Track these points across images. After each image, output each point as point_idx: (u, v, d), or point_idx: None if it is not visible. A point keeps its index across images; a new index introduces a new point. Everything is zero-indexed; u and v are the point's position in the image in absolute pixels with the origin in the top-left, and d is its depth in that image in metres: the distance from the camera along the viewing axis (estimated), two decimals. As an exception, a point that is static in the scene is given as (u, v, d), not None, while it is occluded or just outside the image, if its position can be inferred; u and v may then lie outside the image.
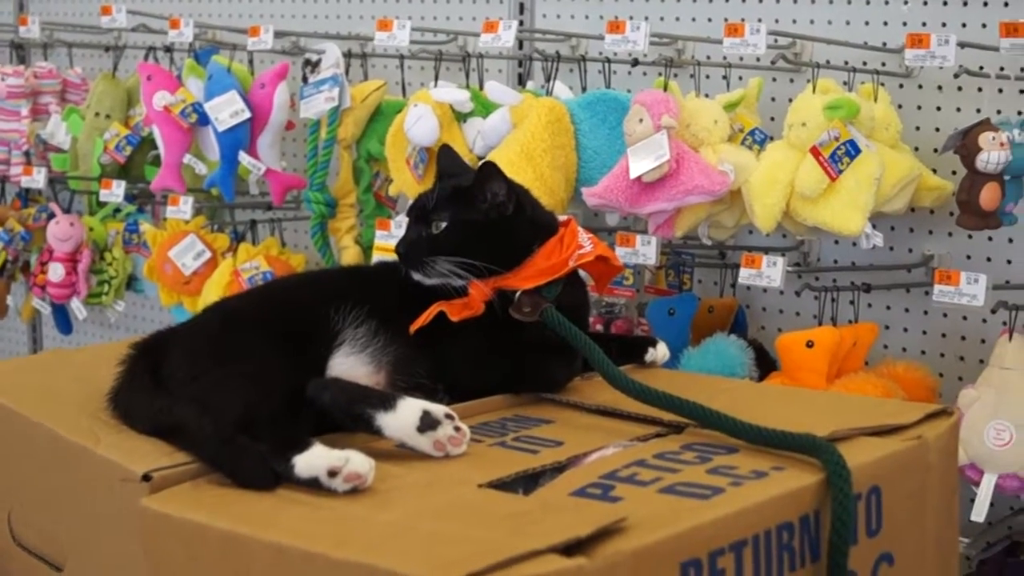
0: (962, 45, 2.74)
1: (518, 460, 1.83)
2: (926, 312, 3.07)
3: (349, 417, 1.87)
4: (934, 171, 2.94)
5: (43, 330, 5.07)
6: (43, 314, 4.50)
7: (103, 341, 4.79)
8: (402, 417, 1.83)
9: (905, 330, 3.13)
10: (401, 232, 3.19)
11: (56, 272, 4.18)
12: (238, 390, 1.89)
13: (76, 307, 4.24)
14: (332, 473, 1.70)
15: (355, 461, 1.71)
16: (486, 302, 2.11)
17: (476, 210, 2.15)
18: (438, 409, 1.84)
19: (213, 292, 3.77)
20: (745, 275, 2.90)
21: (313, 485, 1.72)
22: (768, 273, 2.86)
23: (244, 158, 3.69)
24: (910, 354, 3.10)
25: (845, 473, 1.71)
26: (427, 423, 1.83)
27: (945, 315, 3.03)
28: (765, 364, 3.00)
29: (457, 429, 1.84)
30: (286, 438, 1.76)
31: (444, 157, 2.33)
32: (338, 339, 2.03)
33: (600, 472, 1.75)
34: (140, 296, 4.43)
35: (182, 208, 3.82)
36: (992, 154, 2.65)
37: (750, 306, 3.32)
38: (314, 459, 1.72)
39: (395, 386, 2.02)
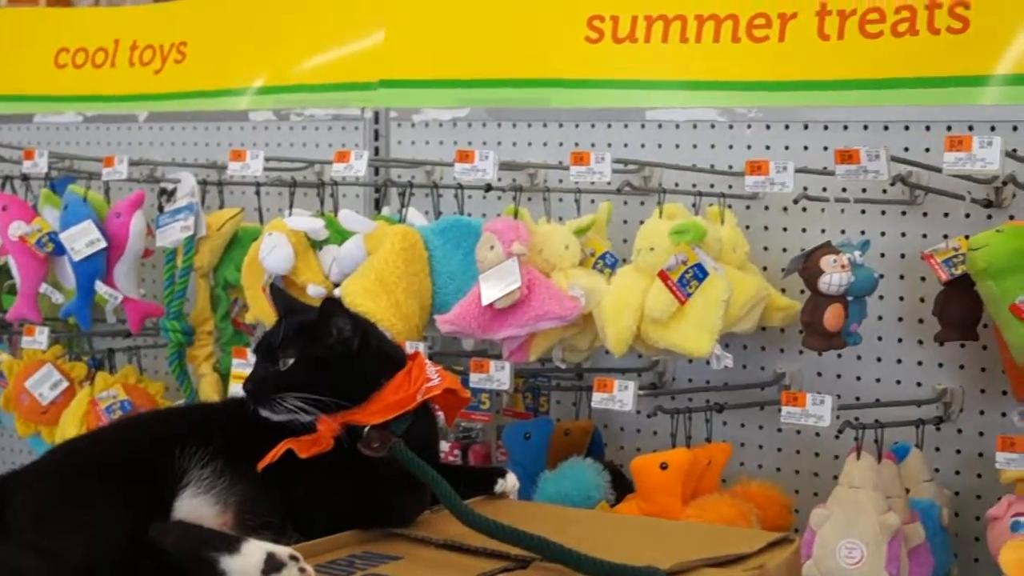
0: (800, 171, 2.81)
1: (364, 600, 1.83)
2: (779, 429, 3.12)
3: (193, 561, 1.85)
4: (783, 291, 3.01)
5: (-100, 461, 4.96)
6: (-101, 445, 4.43)
7: (-40, 472, 4.70)
8: (247, 560, 1.82)
9: (760, 447, 3.18)
10: (259, 360, 3.23)
11: (-90, 404, 4.11)
12: (80, 536, 1.87)
13: (-68, 439, 4.18)
14: (175, 621, 1.69)
15: (198, 608, 1.70)
16: (335, 437, 2.11)
17: (322, 346, 2.15)
18: (282, 551, 1.83)
19: (70, 422, 3.74)
20: (598, 399, 2.93)
21: (155, 634, 1.70)
22: (620, 397, 2.90)
23: (101, 287, 3.68)
24: (765, 471, 3.14)
25: (684, 607, 1.73)
26: (272, 566, 1.82)
27: (798, 432, 3.08)
28: (622, 486, 3.03)
29: (302, 571, 1.83)
30: (128, 586, 1.75)
31: (277, 296, 2.35)
32: (183, 480, 2.01)
33: (446, 610, 1.76)
34: (-3, 427, 4.37)
35: (38, 338, 3.79)
36: (834, 276, 2.71)
37: (608, 426, 3.36)
38: (156, 608, 1.71)
39: (243, 526, 2.01)
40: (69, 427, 3.71)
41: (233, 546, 1.83)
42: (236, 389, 3.36)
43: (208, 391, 3.60)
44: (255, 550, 1.83)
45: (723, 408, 3.06)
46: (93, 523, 1.90)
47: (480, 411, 3.29)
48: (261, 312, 3.36)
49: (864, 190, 2.95)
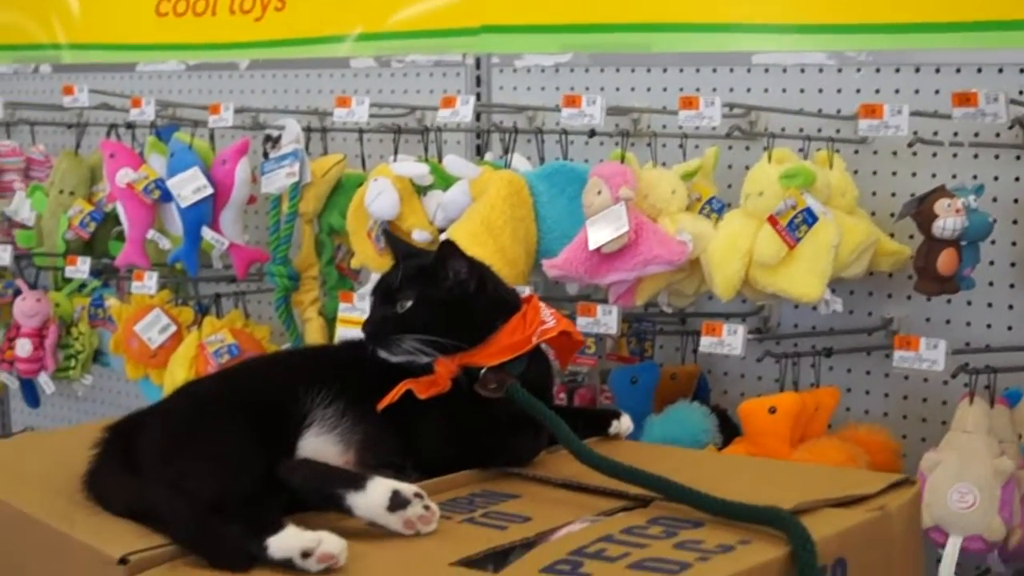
0: (915, 114, 2.79)
1: (487, 537, 1.84)
2: (887, 375, 3.11)
3: (320, 498, 1.87)
4: (891, 236, 2.99)
5: (11, 403, 5.06)
6: (11, 388, 4.51)
7: (71, 414, 4.80)
8: (372, 497, 1.84)
9: (867, 393, 3.16)
10: (365, 304, 3.26)
11: (24, 348, 4.20)
12: (211, 472, 1.90)
13: (44, 381, 4.26)
14: (305, 554, 1.71)
15: (328, 542, 1.72)
16: (452, 379, 2.13)
17: (439, 288, 2.17)
18: (408, 488, 1.85)
19: (179, 365, 3.79)
20: (706, 343, 2.93)
21: (287, 566, 1.72)
22: (729, 341, 2.90)
23: (207, 233, 3.72)
24: (872, 417, 3.13)
25: (810, 546, 1.73)
26: (397, 502, 1.84)
27: (906, 377, 3.07)
28: (728, 430, 3.03)
29: (427, 508, 1.85)
30: (259, 520, 1.77)
31: (393, 240, 2.36)
32: (307, 420, 2.04)
33: (569, 548, 1.77)
34: (107, 369, 4.45)
35: (147, 283, 3.84)
36: (948, 220, 2.70)
37: (712, 371, 3.36)
38: (287, 540, 1.73)
39: (364, 465, 2.03)
40: (178, 370, 3.77)
41: (359, 483, 1.85)
42: (342, 333, 3.39)
43: (314, 335, 3.64)
44: (380, 487, 1.85)
45: (831, 353, 3.05)
46: (222, 460, 1.93)
47: (585, 355, 3.30)
48: (366, 257, 3.38)
49: (977, 134, 2.91)
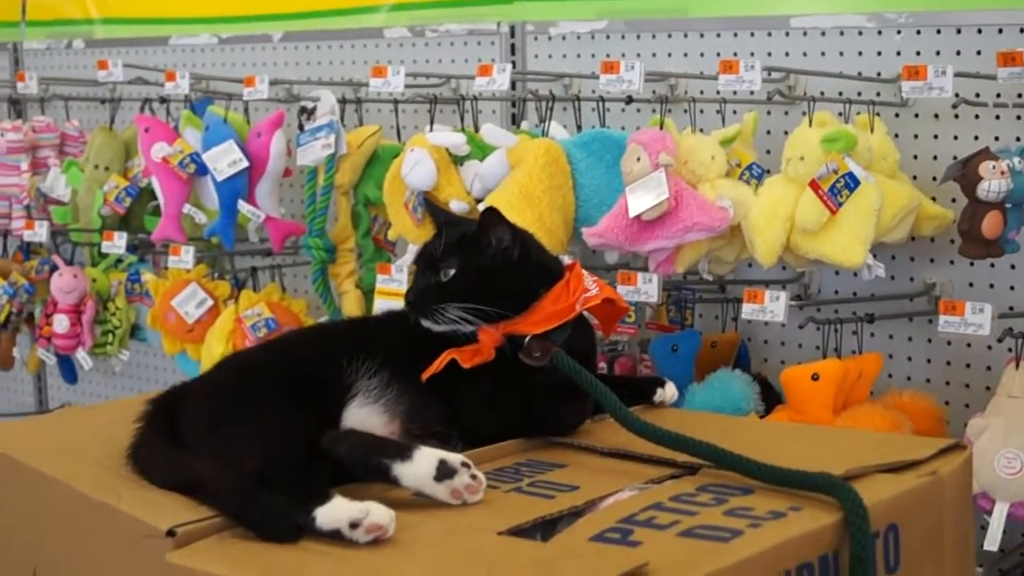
0: (960, 75, 2.76)
1: (535, 506, 1.83)
2: (930, 340, 3.09)
3: (366, 468, 1.87)
4: (933, 199, 2.96)
5: (48, 380, 5.09)
6: (48, 365, 4.53)
7: (108, 390, 4.82)
8: (419, 467, 1.84)
9: (909, 359, 3.14)
10: (402, 276, 3.25)
11: (61, 324, 4.21)
12: (256, 444, 1.90)
13: (82, 357, 4.27)
14: (353, 525, 1.71)
15: (376, 512, 1.71)
16: (496, 347, 2.12)
17: (482, 256, 2.16)
18: (454, 458, 1.85)
19: (216, 339, 3.79)
20: (748, 310, 2.91)
21: (335, 537, 1.72)
22: (771, 308, 2.88)
23: (243, 206, 3.71)
24: (915, 383, 3.11)
25: (863, 512, 1.72)
26: (444, 472, 1.83)
27: (949, 343, 3.05)
28: (770, 398, 3.02)
29: (474, 477, 1.85)
30: (306, 491, 1.77)
31: (434, 209, 2.36)
32: (351, 391, 2.04)
33: (617, 516, 1.76)
34: (144, 345, 4.46)
35: (184, 258, 3.84)
36: (993, 183, 2.67)
37: (752, 339, 3.34)
38: (335, 511, 1.73)
39: (409, 435, 2.03)
40: (215, 344, 3.77)
41: (405, 453, 1.85)
42: (380, 305, 3.38)
43: (351, 307, 3.63)
44: (427, 456, 1.84)
45: (874, 319, 3.03)
46: (268, 432, 1.92)
47: (626, 324, 3.28)
48: (403, 229, 3.37)
49: (1020, 95, 2.88)
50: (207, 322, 3.89)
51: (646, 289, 3.00)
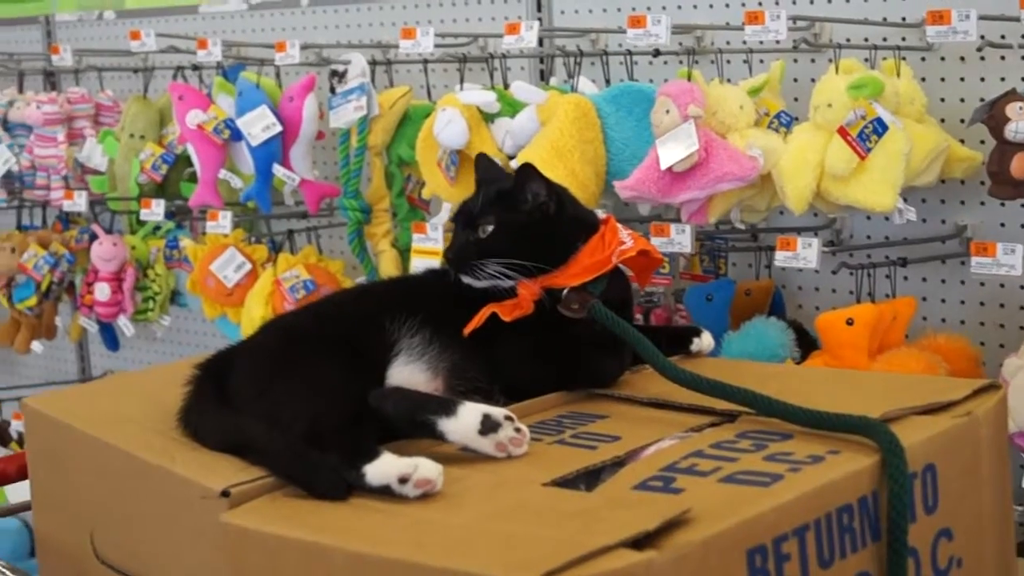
0: (984, 18, 2.77)
1: (578, 457, 1.87)
2: (963, 282, 3.11)
3: (412, 424, 1.91)
4: (962, 142, 2.97)
5: (90, 347, 5.14)
6: (90, 333, 4.58)
7: (150, 356, 4.87)
8: (464, 421, 1.88)
9: (943, 301, 3.16)
10: (438, 234, 3.29)
11: (103, 292, 4.27)
12: (304, 403, 1.94)
13: (123, 324, 4.33)
14: (403, 480, 1.75)
15: (424, 467, 1.75)
16: (535, 301, 2.16)
17: (520, 212, 2.19)
18: (498, 412, 1.88)
19: (255, 302, 3.84)
20: (781, 258, 2.94)
21: (384, 492, 1.76)
22: (804, 254, 2.90)
23: (278, 170, 3.75)
24: (949, 325, 3.13)
25: (901, 453, 1.75)
26: (488, 426, 1.87)
27: (982, 284, 3.06)
28: (806, 344, 3.05)
29: (518, 430, 1.88)
30: (355, 448, 1.81)
31: (482, 164, 2.38)
32: (395, 349, 2.08)
33: (659, 465, 1.80)
34: (184, 310, 4.51)
35: (221, 223, 3.88)
36: (1021, 124, 2.69)
37: (785, 286, 3.36)
38: (384, 467, 1.76)
39: (453, 391, 2.07)
40: (255, 307, 3.82)
41: (450, 408, 1.89)
42: (417, 264, 3.42)
43: (387, 267, 3.67)
44: (471, 411, 1.88)
45: (906, 262, 3.05)
46: (316, 392, 1.96)
47: (660, 275, 3.31)
48: (437, 187, 3.41)
49: (1046, 36, 2.90)
50: (246, 285, 3.94)
51: (679, 240, 3.03)
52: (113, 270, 4.28)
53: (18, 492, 3.89)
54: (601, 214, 2.37)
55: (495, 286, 2.16)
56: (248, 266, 3.95)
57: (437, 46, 3.55)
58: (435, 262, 3.28)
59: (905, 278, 3.14)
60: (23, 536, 5.33)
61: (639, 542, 1.53)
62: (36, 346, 4.75)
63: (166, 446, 2.02)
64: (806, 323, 3.11)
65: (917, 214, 2.90)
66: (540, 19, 3.69)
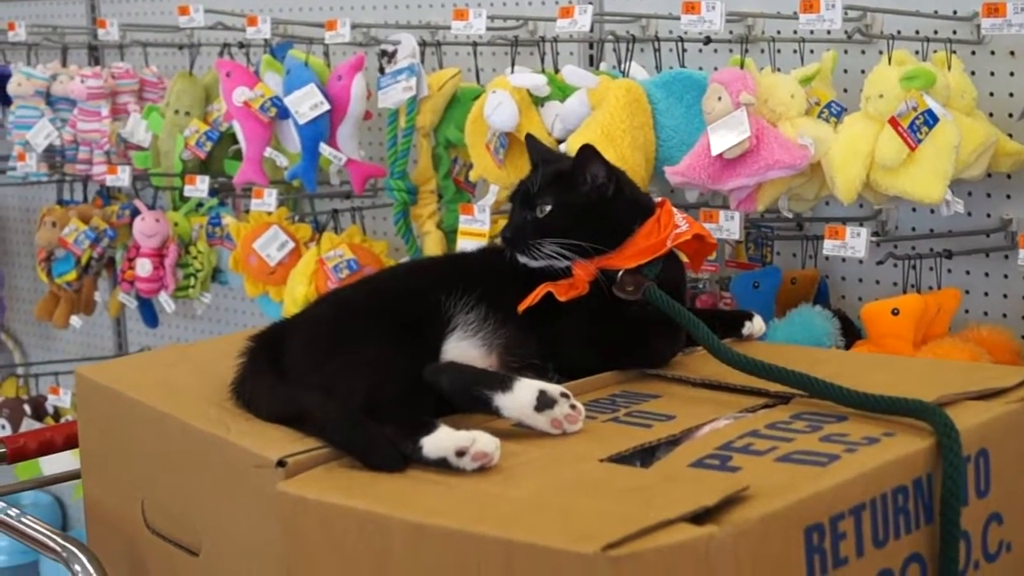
0: (1036, 12, 2.77)
1: (633, 435, 1.89)
2: (1006, 276, 3.10)
3: (467, 399, 1.92)
4: (1010, 136, 2.98)
5: (128, 324, 5.16)
6: (128, 309, 4.60)
7: (188, 333, 4.89)
8: (520, 397, 1.89)
9: (986, 294, 3.16)
10: (484, 216, 3.30)
11: (144, 267, 4.28)
12: (361, 376, 1.96)
13: (164, 301, 4.34)
14: (460, 453, 1.76)
15: (482, 441, 1.77)
16: (591, 281, 2.17)
17: (578, 193, 2.21)
18: (554, 389, 1.90)
19: (299, 281, 3.84)
20: (829, 247, 2.94)
21: (441, 465, 1.78)
22: (852, 244, 2.91)
23: (325, 149, 3.76)
24: (992, 318, 3.13)
25: (955, 436, 1.76)
26: (544, 402, 1.88)
27: (1025, 277, 3.07)
28: (850, 333, 3.05)
29: (573, 407, 1.90)
30: (412, 421, 1.83)
31: (533, 146, 2.40)
32: (450, 324, 2.09)
33: (715, 444, 1.81)
34: (225, 288, 4.53)
35: (266, 201, 3.89)
36: (1070, 119, 2.69)
37: (829, 276, 3.37)
38: (442, 440, 1.78)
39: (507, 367, 2.08)
40: (297, 286, 3.82)
41: (506, 384, 1.90)
42: (463, 245, 3.43)
43: (432, 248, 3.68)
44: (527, 387, 1.90)
45: (952, 255, 3.05)
46: (372, 364, 1.98)
47: (707, 262, 3.31)
48: (485, 170, 3.42)
49: (1099, 31, 2.89)
50: (288, 264, 3.94)
51: (728, 226, 3.04)
52: (155, 246, 4.29)
53: (51, 466, 3.93)
54: (658, 199, 2.38)
55: (551, 266, 2.18)
56: (291, 245, 3.96)
57: (488, 28, 3.56)
58: (481, 244, 3.29)
59: (949, 270, 3.14)
60: (55, 510, 5.38)
61: (698, 517, 1.54)
62: (75, 321, 4.77)
63: (221, 416, 2.04)
64: (850, 313, 3.11)
65: (963, 207, 2.90)
66: (592, 3, 3.69)
